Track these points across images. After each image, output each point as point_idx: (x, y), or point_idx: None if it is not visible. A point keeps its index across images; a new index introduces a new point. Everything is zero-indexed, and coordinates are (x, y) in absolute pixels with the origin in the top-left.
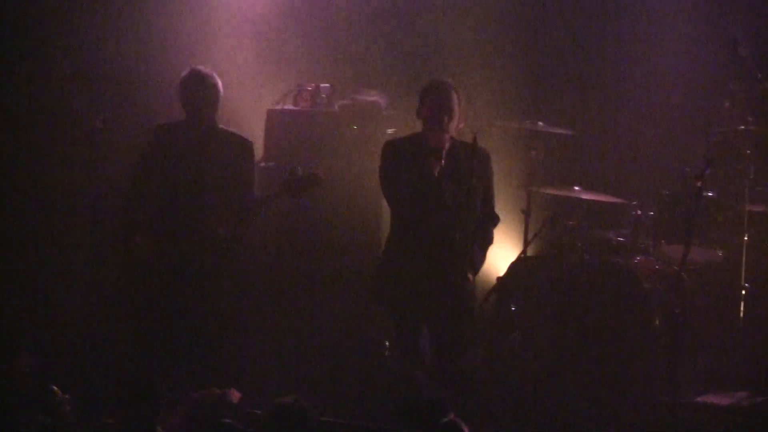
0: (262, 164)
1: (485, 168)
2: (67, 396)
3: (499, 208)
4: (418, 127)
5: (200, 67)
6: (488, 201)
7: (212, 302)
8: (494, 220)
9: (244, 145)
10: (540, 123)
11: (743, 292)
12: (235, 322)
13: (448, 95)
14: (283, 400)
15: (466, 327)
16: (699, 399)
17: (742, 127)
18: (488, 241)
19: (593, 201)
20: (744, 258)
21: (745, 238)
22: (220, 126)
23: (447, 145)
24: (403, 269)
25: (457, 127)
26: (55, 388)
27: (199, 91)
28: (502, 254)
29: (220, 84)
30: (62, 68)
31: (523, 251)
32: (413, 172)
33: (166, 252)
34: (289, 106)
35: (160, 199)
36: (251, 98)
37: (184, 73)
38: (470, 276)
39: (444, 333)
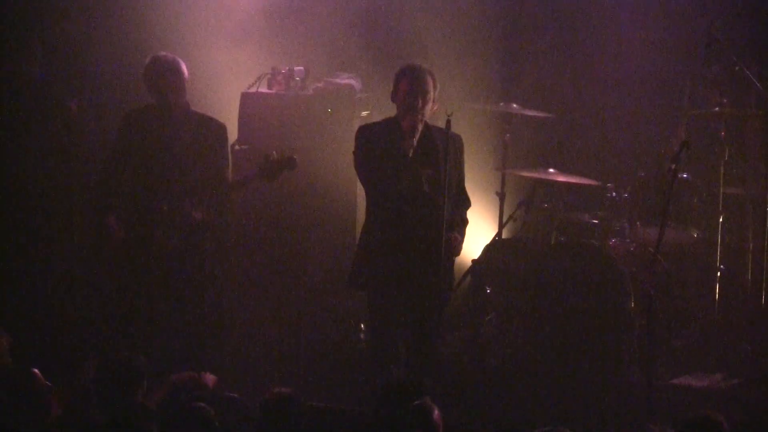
0: (237, 147)
1: (458, 153)
2: (49, 383)
3: (474, 191)
4: (392, 109)
5: (162, 54)
6: (461, 185)
7: (187, 286)
8: (466, 204)
9: (217, 129)
10: (514, 105)
11: (718, 273)
12: (211, 307)
13: (423, 79)
14: (278, 389)
15: (445, 309)
16: (674, 381)
17: (717, 109)
18: (464, 222)
19: (568, 183)
20: (719, 240)
21: (720, 220)
22: (193, 109)
23: (420, 128)
24: (382, 254)
25: (432, 110)
26: (37, 372)
27: (163, 77)
28: (476, 237)
29: (183, 67)
30: (37, 53)
31: (498, 234)
32: (387, 155)
33: (140, 236)
34: (263, 89)
35: (134, 183)
36: (225, 81)
37: (147, 60)
38: (458, 236)
39: (424, 316)
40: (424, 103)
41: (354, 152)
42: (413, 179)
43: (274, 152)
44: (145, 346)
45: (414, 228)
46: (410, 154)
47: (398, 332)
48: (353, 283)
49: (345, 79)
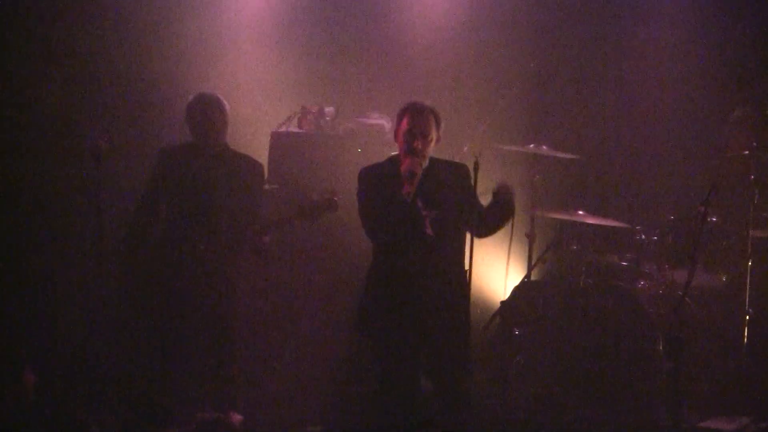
0: (267, 186)
1: (465, 183)
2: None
3: (502, 232)
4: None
5: (207, 92)
6: (477, 210)
7: (218, 320)
8: None
9: (254, 168)
10: (544, 147)
11: (747, 317)
12: (239, 341)
13: (423, 117)
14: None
15: (463, 347)
16: (702, 424)
17: (747, 152)
18: None
19: (597, 225)
20: (748, 283)
21: (749, 264)
22: (231, 148)
23: (420, 172)
24: (387, 302)
25: (434, 147)
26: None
27: (206, 115)
28: (505, 278)
29: (227, 106)
30: (55, 83)
31: (527, 275)
32: (388, 199)
33: (174, 270)
34: (293, 129)
35: (170, 219)
36: (256, 120)
37: (191, 98)
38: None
39: (440, 356)
40: (425, 144)
41: (357, 196)
42: (416, 223)
43: (314, 194)
44: (171, 384)
45: (420, 273)
46: (409, 199)
47: (413, 375)
48: (358, 329)
49: (375, 119)
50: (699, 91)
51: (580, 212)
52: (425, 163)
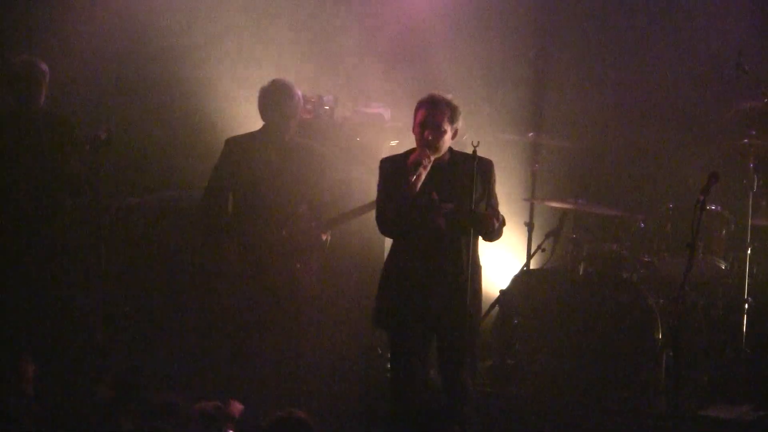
0: None
1: (487, 178)
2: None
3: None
4: None
5: (281, 79)
6: (493, 210)
7: (284, 308)
8: (499, 216)
9: (323, 155)
10: (544, 136)
11: (746, 305)
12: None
13: (437, 109)
14: (282, 412)
15: (470, 337)
16: (701, 412)
17: (746, 140)
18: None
19: (597, 214)
20: (747, 271)
21: (749, 252)
22: (295, 138)
23: (427, 161)
24: (401, 293)
25: (450, 141)
26: None
27: (284, 102)
28: (504, 267)
29: (299, 95)
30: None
31: (526, 264)
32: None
33: (249, 258)
34: None
35: (244, 208)
36: (255, 108)
37: (267, 84)
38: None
39: (447, 344)
40: (437, 134)
41: (377, 185)
42: (430, 216)
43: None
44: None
45: (433, 265)
46: (416, 187)
47: (422, 367)
48: (376, 322)
49: (374, 109)
50: (699, 79)
51: (580, 201)
52: (441, 155)
